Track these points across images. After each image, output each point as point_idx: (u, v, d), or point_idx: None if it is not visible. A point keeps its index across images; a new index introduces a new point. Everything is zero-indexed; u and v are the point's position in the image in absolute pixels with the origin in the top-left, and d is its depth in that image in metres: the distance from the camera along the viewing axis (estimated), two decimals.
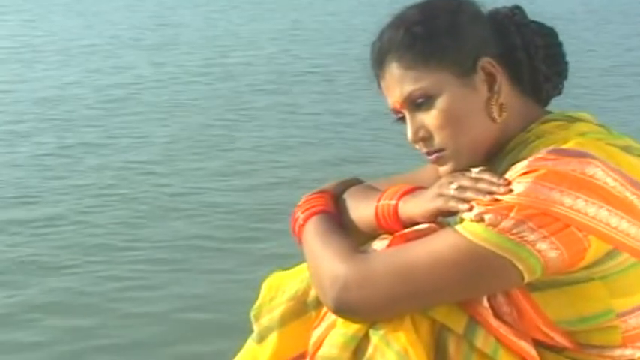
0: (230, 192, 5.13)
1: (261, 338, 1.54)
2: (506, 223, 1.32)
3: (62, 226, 4.59)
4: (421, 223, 1.44)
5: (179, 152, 5.98)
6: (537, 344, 1.43)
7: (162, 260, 4.17)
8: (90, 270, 4.05)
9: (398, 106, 1.50)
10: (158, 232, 4.50)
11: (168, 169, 5.57)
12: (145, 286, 3.91)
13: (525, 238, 1.31)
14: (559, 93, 1.55)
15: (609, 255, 1.36)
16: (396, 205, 1.48)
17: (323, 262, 1.45)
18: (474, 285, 1.37)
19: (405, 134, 1.50)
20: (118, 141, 6.22)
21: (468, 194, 1.38)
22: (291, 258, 1.65)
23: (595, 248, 1.34)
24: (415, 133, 1.49)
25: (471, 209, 1.36)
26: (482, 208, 1.34)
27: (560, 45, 1.53)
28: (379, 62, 1.51)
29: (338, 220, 1.56)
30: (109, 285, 3.87)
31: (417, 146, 1.51)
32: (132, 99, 7.57)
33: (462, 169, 1.46)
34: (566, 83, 1.54)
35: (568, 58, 1.53)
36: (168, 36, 11.40)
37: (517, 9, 1.53)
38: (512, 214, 1.32)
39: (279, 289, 1.55)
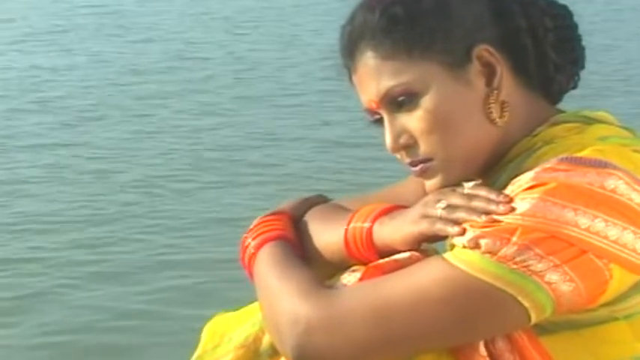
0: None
1: None
2: (507, 250, 1.21)
3: None
4: (401, 250, 1.33)
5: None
6: None
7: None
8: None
9: (374, 105, 1.38)
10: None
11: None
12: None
13: (531, 268, 1.21)
14: (574, 87, 1.44)
15: (636, 288, 1.27)
16: (370, 229, 1.37)
17: (280, 300, 1.34)
18: (467, 327, 1.26)
19: (383, 140, 1.38)
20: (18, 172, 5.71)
21: (460, 214, 1.27)
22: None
23: (618, 280, 1.24)
24: (395, 139, 1.37)
25: (463, 233, 1.25)
26: (477, 232, 1.24)
27: (574, 27, 1.42)
28: (350, 51, 1.39)
29: (298, 248, 1.45)
30: None
31: (398, 155, 1.39)
32: (37, 113, 6.92)
33: (454, 182, 1.36)
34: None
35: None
36: (92, 24, 10.69)
37: None
38: (514, 239, 1.21)
39: (224, 335, 1.45)
